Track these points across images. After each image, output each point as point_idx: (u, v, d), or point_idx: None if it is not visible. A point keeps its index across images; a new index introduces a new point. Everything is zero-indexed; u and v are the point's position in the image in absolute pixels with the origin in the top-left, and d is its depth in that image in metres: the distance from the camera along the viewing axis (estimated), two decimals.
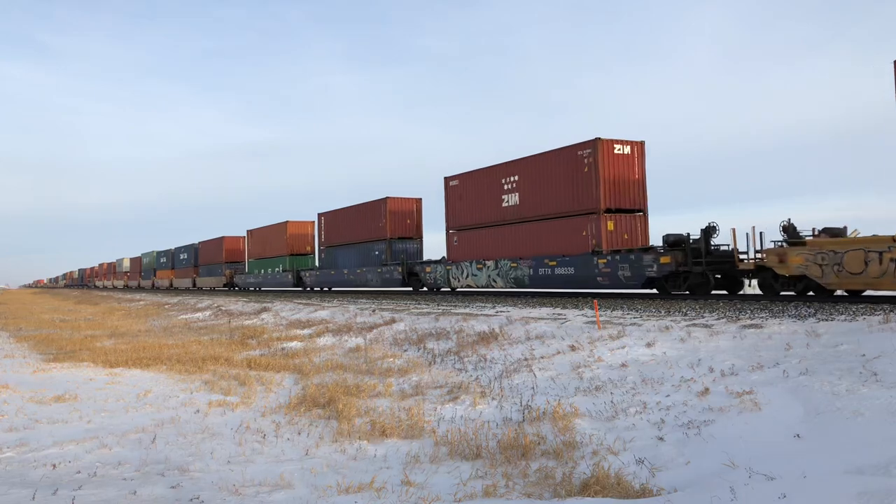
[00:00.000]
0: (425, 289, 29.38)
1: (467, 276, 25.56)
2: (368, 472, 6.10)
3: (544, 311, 15.67)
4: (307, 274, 40.12)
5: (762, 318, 11.55)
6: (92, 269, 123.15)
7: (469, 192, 25.89)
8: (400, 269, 29.93)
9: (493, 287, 24.30)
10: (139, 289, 77.69)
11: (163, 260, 72.02)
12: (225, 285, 53.62)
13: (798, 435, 6.06)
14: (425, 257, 31.31)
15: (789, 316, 11.56)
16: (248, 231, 50.80)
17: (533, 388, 9.04)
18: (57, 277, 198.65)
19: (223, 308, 29.00)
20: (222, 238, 54.90)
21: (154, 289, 71.90)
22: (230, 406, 9.01)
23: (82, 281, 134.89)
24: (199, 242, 60.67)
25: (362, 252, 33.81)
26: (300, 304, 26.34)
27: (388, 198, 31.58)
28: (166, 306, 35.97)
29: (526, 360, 10.53)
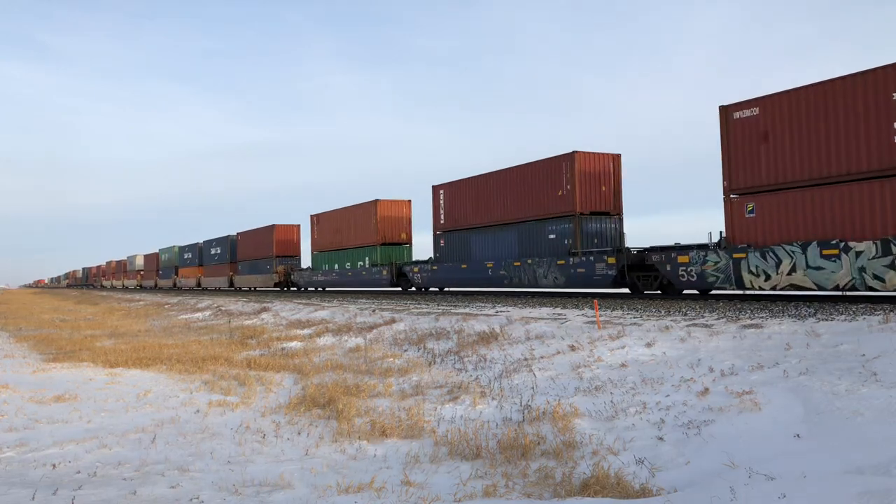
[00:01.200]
0: (658, 292, 19.20)
1: (803, 268, 14.56)
2: (368, 472, 6.10)
3: (544, 311, 15.67)
4: (414, 269, 29.58)
5: (762, 317, 11.55)
6: (98, 267, 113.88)
7: (786, 125, 15.21)
8: (609, 260, 19.69)
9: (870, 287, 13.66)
10: (156, 289, 68.84)
11: (187, 256, 61.42)
12: (277, 284, 43.11)
13: (798, 435, 6.06)
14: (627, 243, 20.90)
15: (789, 316, 11.56)
16: (313, 216, 38.82)
17: (533, 388, 9.05)
18: (59, 277, 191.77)
19: (223, 308, 29.00)
20: (272, 227, 43.78)
21: (176, 289, 62.54)
22: (230, 406, 9.01)
23: (87, 280, 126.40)
24: (238, 234, 50.12)
25: (524, 237, 23.48)
26: (300, 304, 26.34)
27: (575, 152, 21.31)
28: (166, 306, 35.97)
29: (526, 360, 10.53)
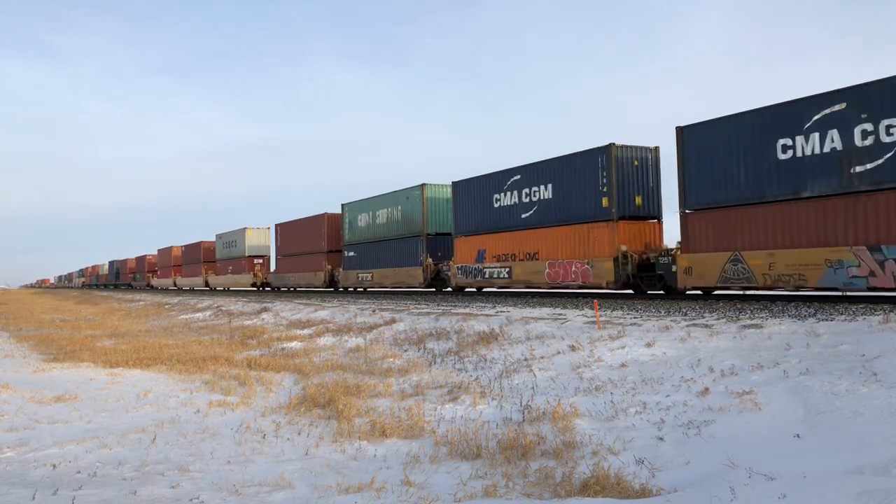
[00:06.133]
0: None
1: None
2: (368, 472, 6.10)
3: (544, 311, 15.66)
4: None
5: (762, 318, 11.55)
6: (141, 260, 78.21)
7: None
8: None
9: None
10: (332, 293, 35.04)
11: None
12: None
13: (798, 435, 6.06)
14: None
15: (789, 316, 11.56)
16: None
17: (533, 388, 9.04)
18: (70, 274, 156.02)
19: (223, 308, 29.00)
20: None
21: (387, 294, 30.95)
22: (230, 406, 9.01)
23: (118, 279, 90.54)
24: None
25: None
26: (300, 304, 26.34)
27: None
28: (166, 307, 35.96)
29: (526, 360, 10.53)
